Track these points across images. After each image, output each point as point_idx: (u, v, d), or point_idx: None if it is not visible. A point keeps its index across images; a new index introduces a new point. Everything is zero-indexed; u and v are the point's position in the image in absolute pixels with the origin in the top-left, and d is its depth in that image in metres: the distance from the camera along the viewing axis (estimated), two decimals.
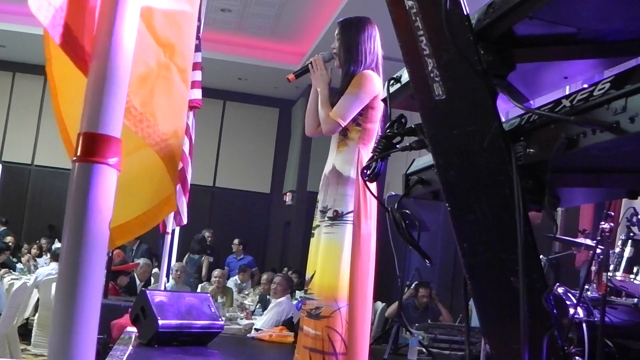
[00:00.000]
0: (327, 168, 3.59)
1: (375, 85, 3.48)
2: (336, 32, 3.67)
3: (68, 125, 1.53)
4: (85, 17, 1.20)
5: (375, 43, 3.61)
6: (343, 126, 3.49)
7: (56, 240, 11.97)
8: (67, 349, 1.04)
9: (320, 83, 3.64)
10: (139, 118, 1.45)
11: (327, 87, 3.63)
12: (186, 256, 11.25)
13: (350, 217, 3.42)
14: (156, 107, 1.52)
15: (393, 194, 5.70)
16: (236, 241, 12.21)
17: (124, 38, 1.16)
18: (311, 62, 3.68)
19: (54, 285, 6.91)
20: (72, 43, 1.16)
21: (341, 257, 3.39)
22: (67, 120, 1.53)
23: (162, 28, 1.52)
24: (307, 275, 3.55)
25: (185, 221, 6.10)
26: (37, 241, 12.27)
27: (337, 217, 3.43)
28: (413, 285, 8.09)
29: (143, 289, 6.42)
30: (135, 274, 8.92)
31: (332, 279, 3.40)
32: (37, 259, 11.31)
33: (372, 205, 3.45)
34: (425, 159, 1.84)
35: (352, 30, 3.60)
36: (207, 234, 12.09)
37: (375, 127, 3.56)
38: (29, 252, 11.59)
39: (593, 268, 4.59)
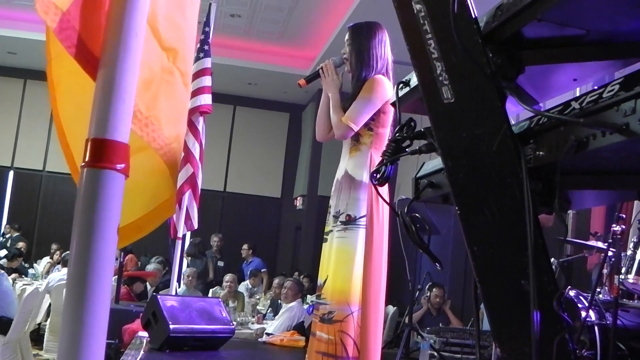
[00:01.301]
0: (340, 173, 3.60)
1: (386, 90, 3.49)
2: (346, 37, 3.68)
3: (65, 128, 1.53)
4: (95, 21, 1.20)
5: (386, 48, 3.62)
6: (355, 131, 3.49)
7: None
8: (76, 353, 1.05)
9: (331, 88, 3.65)
10: (144, 122, 1.45)
11: (338, 92, 3.64)
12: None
13: (363, 221, 3.42)
14: (160, 111, 1.52)
15: (403, 197, 5.69)
16: (245, 246, 12.21)
17: (132, 45, 1.16)
18: (322, 68, 3.69)
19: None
20: (80, 47, 1.17)
21: (354, 261, 3.39)
22: (65, 123, 1.53)
23: (166, 32, 1.52)
24: (320, 280, 3.55)
25: (196, 226, 6.10)
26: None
27: (350, 222, 3.43)
28: (427, 286, 8.06)
29: (154, 293, 6.43)
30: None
31: (345, 283, 3.40)
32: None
33: (385, 209, 3.45)
34: (435, 162, 1.83)
35: (362, 36, 3.61)
36: (215, 238, 12.11)
37: (387, 132, 3.57)
38: (51, 258, 11.60)
39: (605, 271, 4.57)
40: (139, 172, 1.65)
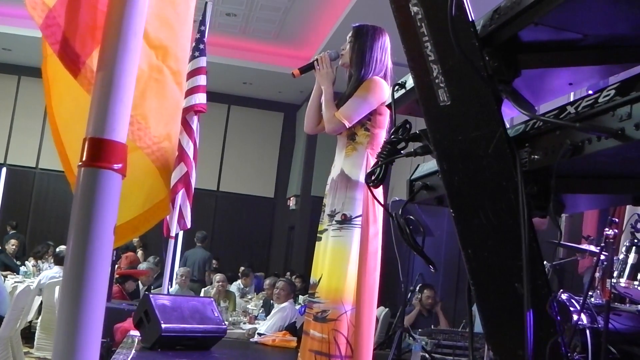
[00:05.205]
0: (335, 172, 3.60)
1: (384, 92, 3.50)
2: (349, 35, 3.68)
3: (60, 126, 1.52)
4: (78, 18, 1.20)
5: (386, 54, 3.64)
6: (348, 127, 3.50)
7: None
8: (71, 352, 1.05)
9: (325, 81, 3.66)
10: (129, 120, 1.44)
11: (331, 85, 3.66)
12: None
13: (359, 221, 3.43)
14: (148, 109, 1.51)
15: (397, 199, 5.69)
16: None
17: (130, 45, 1.16)
18: (317, 60, 3.70)
19: (57, 288, 6.92)
20: (63, 44, 1.17)
21: (349, 260, 3.40)
22: (59, 122, 1.52)
23: (155, 30, 1.51)
24: (313, 279, 3.56)
25: (189, 225, 6.09)
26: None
27: (346, 221, 3.44)
28: (418, 288, 8.07)
29: (146, 292, 6.42)
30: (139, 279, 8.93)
31: (339, 282, 3.41)
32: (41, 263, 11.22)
33: (380, 209, 3.46)
34: (429, 164, 1.84)
35: (367, 37, 3.63)
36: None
37: (383, 133, 3.58)
38: (35, 259, 11.48)
39: (597, 274, 4.59)
40: (136, 171, 1.65)
